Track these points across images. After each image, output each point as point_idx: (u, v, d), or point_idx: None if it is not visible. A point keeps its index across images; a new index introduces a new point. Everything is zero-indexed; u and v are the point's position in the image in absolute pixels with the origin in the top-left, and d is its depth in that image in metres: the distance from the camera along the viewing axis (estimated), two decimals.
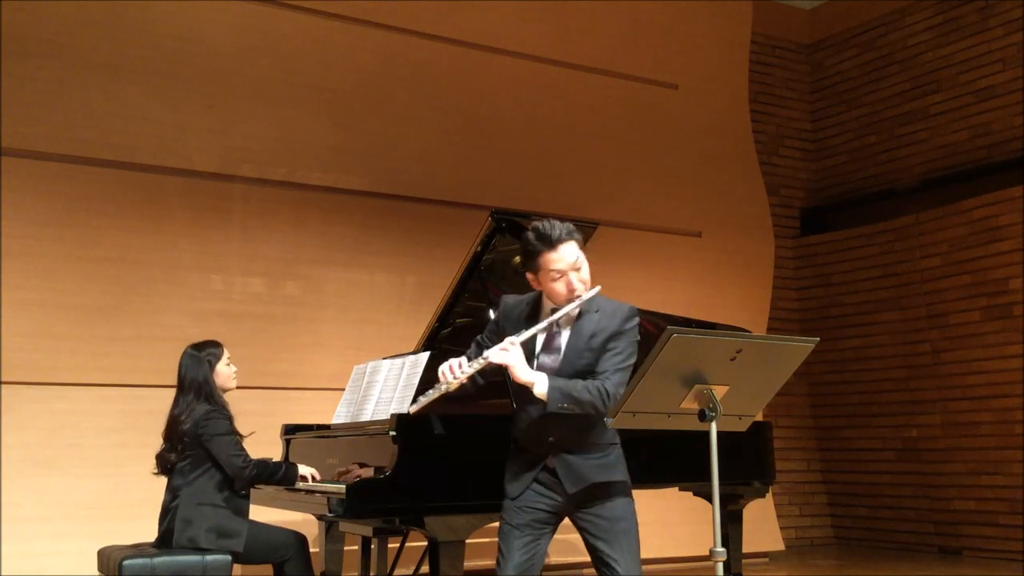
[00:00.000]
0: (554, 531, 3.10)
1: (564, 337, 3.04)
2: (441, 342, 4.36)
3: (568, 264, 2.95)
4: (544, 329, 3.02)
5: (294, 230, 6.21)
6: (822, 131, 9.09)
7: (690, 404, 2.78)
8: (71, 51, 5.64)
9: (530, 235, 2.99)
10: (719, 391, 2.76)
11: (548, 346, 3.05)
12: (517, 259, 4.29)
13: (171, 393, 4.07)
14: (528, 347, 3.01)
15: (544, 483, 3.04)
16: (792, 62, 9.17)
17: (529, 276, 3.05)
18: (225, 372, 4.09)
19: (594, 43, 7.57)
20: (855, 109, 8.77)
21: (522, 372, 2.92)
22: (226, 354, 4.12)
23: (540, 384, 2.91)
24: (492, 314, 3.35)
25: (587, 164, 7.36)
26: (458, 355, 3.09)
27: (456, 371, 2.93)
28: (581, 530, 3.08)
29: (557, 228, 2.96)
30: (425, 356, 3.92)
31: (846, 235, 8.44)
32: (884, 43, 8.54)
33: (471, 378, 3.00)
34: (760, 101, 8.81)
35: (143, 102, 5.82)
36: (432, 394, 2.96)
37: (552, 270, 2.95)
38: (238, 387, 4.19)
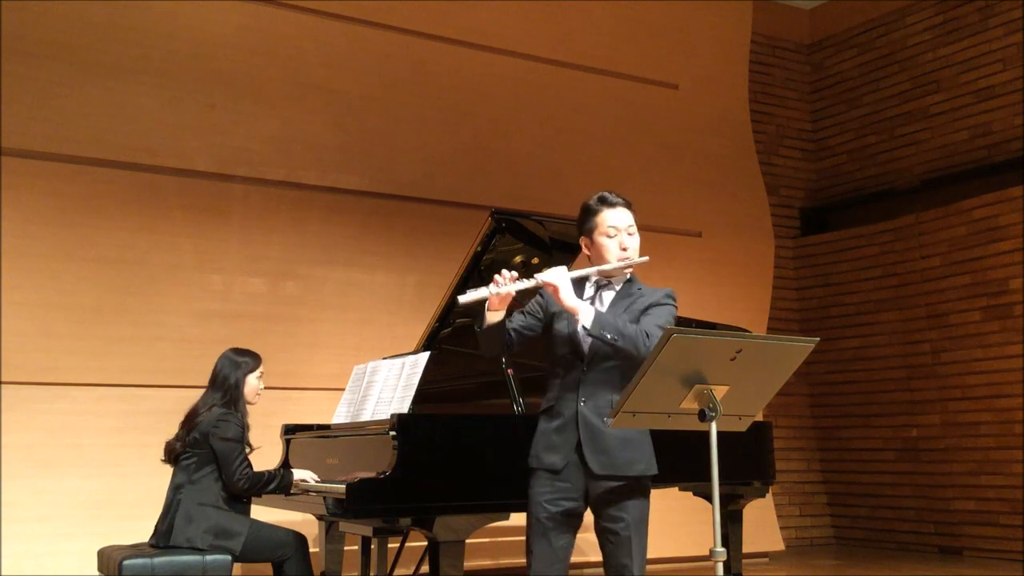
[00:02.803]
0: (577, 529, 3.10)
1: (605, 304, 3.13)
2: (441, 342, 4.36)
3: (624, 225, 3.14)
4: (595, 273, 3.12)
5: (294, 230, 6.21)
6: (822, 131, 9.09)
7: (690, 404, 2.78)
8: (71, 51, 5.64)
9: (590, 199, 3.19)
10: (719, 391, 2.75)
11: None
12: (518, 259, 4.30)
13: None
14: (565, 314, 3.06)
15: (574, 465, 3.03)
16: (792, 62, 9.17)
17: (583, 240, 3.20)
18: (253, 385, 4.16)
19: (594, 43, 7.57)
20: (855, 109, 8.77)
21: (567, 296, 2.97)
22: (260, 369, 4.20)
23: (585, 309, 2.97)
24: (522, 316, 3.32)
25: (587, 164, 7.36)
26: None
27: (502, 280, 2.97)
28: (600, 531, 3.07)
29: (615, 194, 3.20)
30: (425, 356, 3.92)
31: (846, 235, 8.44)
32: (884, 43, 8.54)
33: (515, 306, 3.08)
34: (760, 101, 8.81)
35: (143, 102, 5.82)
36: (481, 292, 2.98)
37: (609, 226, 3.13)
38: None
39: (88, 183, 5.62)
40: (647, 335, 2.96)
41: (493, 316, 3.02)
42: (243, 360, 4.15)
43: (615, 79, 7.67)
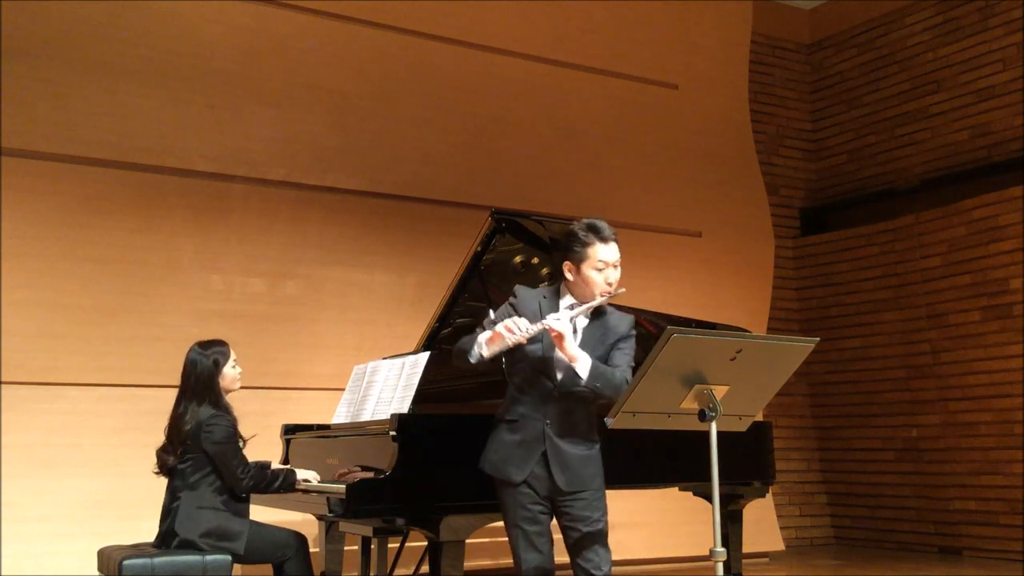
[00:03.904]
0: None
1: (580, 332, 3.24)
2: (441, 342, 4.36)
3: (613, 260, 3.22)
4: (584, 312, 3.21)
5: (294, 230, 6.21)
6: (822, 131, 9.09)
7: (690, 404, 2.79)
8: (71, 51, 5.64)
9: (581, 227, 3.23)
10: (719, 391, 2.76)
11: None
12: (518, 259, 4.31)
13: (172, 393, 4.03)
14: (540, 336, 3.18)
15: (537, 476, 3.20)
16: (792, 62, 9.17)
17: (567, 265, 3.25)
18: (231, 374, 4.02)
19: (594, 43, 7.57)
20: (855, 109, 8.77)
21: (570, 345, 3.10)
22: (233, 355, 4.05)
23: (583, 359, 3.10)
24: (492, 314, 3.36)
25: (587, 164, 7.36)
26: None
27: (517, 330, 3.09)
28: (563, 528, 3.25)
29: (608, 227, 3.24)
30: (425, 356, 3.92)
31: (846, 235, 8.44)
32: (884, 43, 8.54)
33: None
34: (760, 101, 8.81)
35: (143, 102, 5.81)
36: (504, 343, 3.10)
37: (600, 260, 3.19)
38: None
39: (88, 183, 5.62)
40: (625, 382, 3.11)
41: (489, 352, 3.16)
42: (212, 352, 3.98)
43: (615, 79, 7.66)
